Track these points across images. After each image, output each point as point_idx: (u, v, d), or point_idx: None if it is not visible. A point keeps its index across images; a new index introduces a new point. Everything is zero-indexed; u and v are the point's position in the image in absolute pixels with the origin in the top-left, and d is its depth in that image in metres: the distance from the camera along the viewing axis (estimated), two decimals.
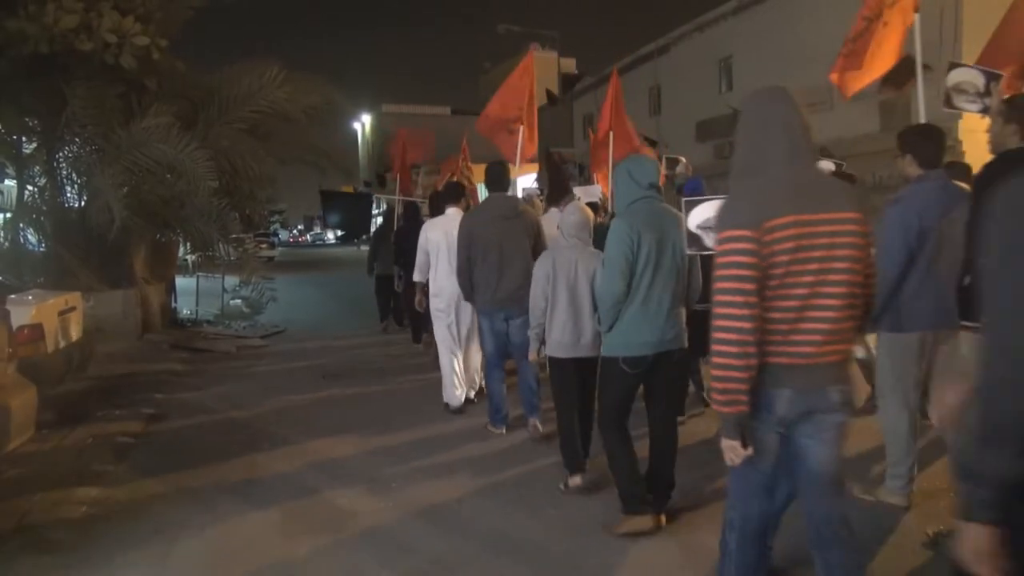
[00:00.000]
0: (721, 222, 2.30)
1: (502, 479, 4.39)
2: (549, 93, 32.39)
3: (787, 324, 2.24)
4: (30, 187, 9.34)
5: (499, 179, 5.33)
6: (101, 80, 8.53)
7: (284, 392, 6.88)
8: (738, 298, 2.19)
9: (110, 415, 5.84)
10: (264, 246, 20.83)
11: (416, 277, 6.12)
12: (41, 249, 9.24)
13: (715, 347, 2.23)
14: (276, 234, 50.41)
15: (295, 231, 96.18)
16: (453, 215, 5.76)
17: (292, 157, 11.62)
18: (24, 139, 9.31)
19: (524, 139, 8.13)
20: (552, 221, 5.29)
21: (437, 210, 6.68)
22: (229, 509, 4.02)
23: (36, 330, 5.06)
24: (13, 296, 5.25)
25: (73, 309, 5.83)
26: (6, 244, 9.12)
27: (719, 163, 21.04)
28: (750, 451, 2.29)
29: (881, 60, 5.30)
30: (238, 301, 12.25)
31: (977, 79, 5.00)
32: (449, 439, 5.23)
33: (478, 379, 6.03)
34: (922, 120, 4.66)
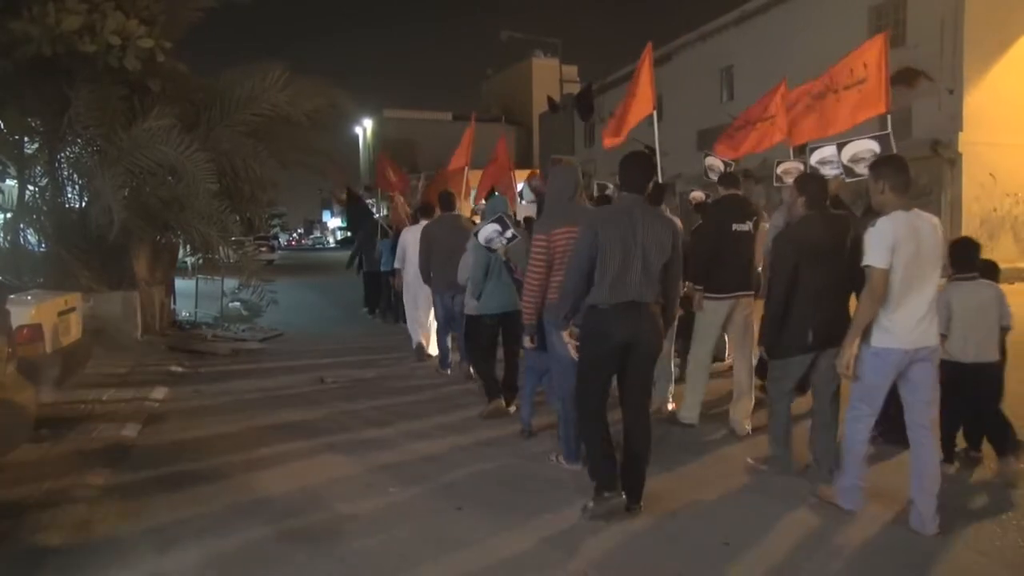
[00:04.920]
0: (535, 229, 4.47)
1: (505, 494, 4.38)
2: (551, 100, 32.45)
3: None
4: (31, 187, 9.34)
5: (449, 203, 7.33)
6: (104, 82, 8.54)
7: (282, 395, 6.87)
8: (534, 271, 4.27)
9: (107, 417, 5.83)
10: (264, 249, 20.80)
11: (395, 264, 8.73)
12: (41, 249, 9.23)
13: (524, 291, 4.37)
14: (276, 237, 50.32)
15: (295, 234, 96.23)
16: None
17: (293, 160, 11.63)
18: (26, 139, 9.31)
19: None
20: None
21: (415, 220, 8.85)
22: (225, 513, 4.01)
23: (35, 330, 5.05)
24: (13, 296, 5.23)
25: (72, 310, 5.83)
26: (7, 244, 9.12)
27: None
28: (535, 343, 4.42)
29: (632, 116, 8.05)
30: (237, 304, 12.25)
31: (718, 163, 7.31)
32: (447, 439, 5.23)
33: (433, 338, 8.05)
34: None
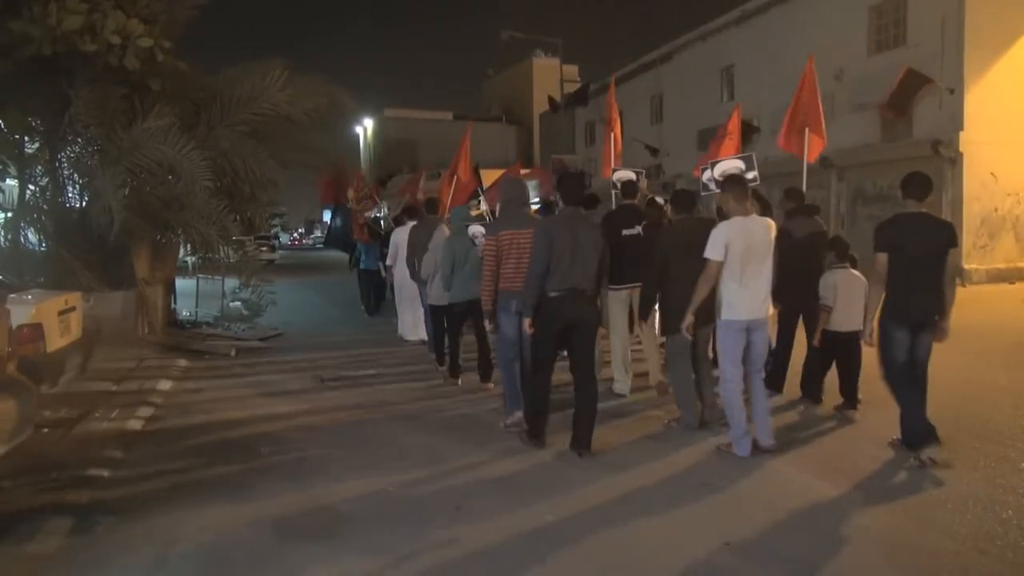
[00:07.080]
0: (486, 233, 5.65)
1: (507, 494, 4.38)
2: (551, 100, 32.47)
3: (513, 272, 5.15)
4: (32, 187, 9.34)
5: (433, 209, 8.65)
6: (104, 81, 8.54)
7: (282, 395, 6.87)
8: (487, 267, 5.28)
9: (107, 417, 5.84)
10: (265, 249, 20.78)
11: (388, 262, 10.16)
12: (42, 249, 9.23)
13: (482, 284, 5.37)
14: (277, 237, 50.19)
15: (296, 234, 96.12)
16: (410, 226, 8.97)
17: (293, 160, 11.61)
18: (27, 139, 9.30)
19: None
20: None
21: (400, 221, 10.11)
22: (225, 513, 4.01)
23: (36, 329, 5.06)
24: (13, 295, 5.24)
25: (73, 309, 5.83)
26: (7, 243, 9.12)
27: None
28: (493, 327, 5.44)
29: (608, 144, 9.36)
30: (238, 303, 12.24)
31: (628, 174, 7.85)
32: (444, 439, 5.24)
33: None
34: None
